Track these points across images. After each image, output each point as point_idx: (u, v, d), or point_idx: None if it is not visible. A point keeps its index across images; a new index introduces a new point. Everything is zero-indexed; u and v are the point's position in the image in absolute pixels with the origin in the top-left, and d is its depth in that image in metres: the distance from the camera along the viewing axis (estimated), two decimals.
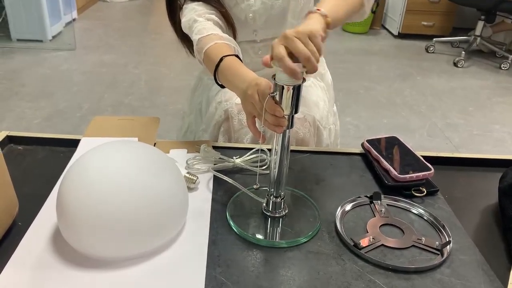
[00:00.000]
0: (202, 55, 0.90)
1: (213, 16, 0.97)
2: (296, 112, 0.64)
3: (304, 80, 0.63)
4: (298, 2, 1.03)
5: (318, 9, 0.74)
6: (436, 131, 2.46)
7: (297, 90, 0.62)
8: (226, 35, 0.93)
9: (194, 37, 0.93)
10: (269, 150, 0.89)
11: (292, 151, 0.93)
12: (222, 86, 0.88)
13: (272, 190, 0.71)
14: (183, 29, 0.99)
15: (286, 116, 0.64)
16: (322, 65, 1.25)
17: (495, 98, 2.95)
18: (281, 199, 0.72)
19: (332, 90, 1.26)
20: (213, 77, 0.87)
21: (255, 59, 1.10)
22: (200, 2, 0.99)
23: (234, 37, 1.03)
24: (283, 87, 0.62)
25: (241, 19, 1.02)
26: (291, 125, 0.65)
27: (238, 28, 1.03)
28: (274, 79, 0.63)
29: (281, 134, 0.66)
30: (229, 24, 1.01)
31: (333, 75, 1.29)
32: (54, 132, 0.98)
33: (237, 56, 0.86)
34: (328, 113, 1.16)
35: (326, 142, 1.12)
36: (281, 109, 0.63)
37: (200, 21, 0.94)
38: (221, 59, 0.84)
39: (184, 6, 1.00)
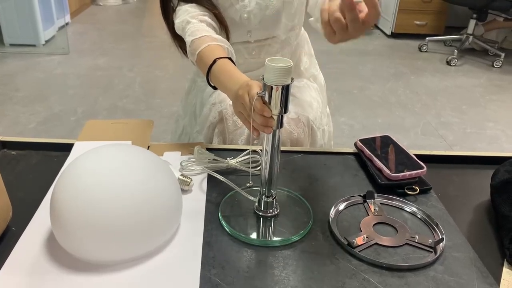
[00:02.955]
0: (195, 57, 0.90)
1: (206, 18, 0.97)
2: (285, 112, 0.64)
3: (292, 79, 0.63)
4: (292, 4, 1.03)
5: None
6: (430, 129, 2.47)
7: (286, 90, 0.62)
8: (219, 37, 0.92)
9: (187, 39, 0.92)
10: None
11: (285, 151, 0.93)
12: (215, 88, 0.88)
13: (264, 189, 0.71)
14: (176, 31, 0.99)
15: (275, 116, 0.64)
16: (315, 67, 1.25)
17: (488, 96, 2.97)
18: (273, 199, 0.72)
19: (325, 92, 1.26)
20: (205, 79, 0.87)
21: (249, 60, 1.10)
22: (193, 4, 0.99)
23: (228, 38, 1.04)
24: (272, 87, 0.62)
25: (236, 19, 1.02)
26: (281, 124, 0.66)
27: (232, 29, 1.03)
28: (263, 79, 0.63)
29: (272, 134, 0.66)
30: (223, 25, 1.02)
31: (327, 76, 1.29)
32: (49, 136, 0.98)
33: (230, 58, 0.86)
34: (321, 114, 1.17)
35: (320, 143, 1.13)
36: (269, 110, 0.64)
37: (193, 23, 0.94)
38: (214, 61, 0.84)
39: (178, 7, 1.00)
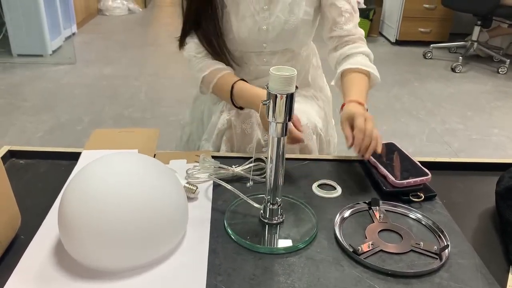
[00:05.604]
0: (210, 90, 1.04)
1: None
2: (289, 119, 0.65)
3: (297, 87, 0.64)
4: (310, 22, 1.06)
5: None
6: (436, 136, 2.47)
7: (290, 98, 0.63)
8: (222, 65, 1.03)
9: (197, 75, 1.04)
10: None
11: (291, 159, 0.94)
12: (241, 108, 1.00)
13: (269, 197, 0.72)
14: (185, 59, 1.09)
15: (280, 124, 0.65)
16: (322, 79, 1.26)
17: (493, 102, 2.96)
18: (278, 206, 0.73)
19: (331, 105, 1.27)
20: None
21: (260, 67, 1.10)
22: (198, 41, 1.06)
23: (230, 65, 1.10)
24: (276, 96, 0.63)
25: (254, 30, 1.03)
26: (285, 132, 0.66)
27: (248, 39, 1.05)
28: (267, 87, 0.64)
29: (276, 142, 0.67)
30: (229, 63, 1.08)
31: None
32: (56, 145, 0.99)
33: (241, 79, 0.97)
34: (328, 124, 1.18)
35: (326, 152, 1.14)
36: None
37: (198, 57, 1.05)
38: (232, 87, 0.96)
39: (188, 37, 1.08)
